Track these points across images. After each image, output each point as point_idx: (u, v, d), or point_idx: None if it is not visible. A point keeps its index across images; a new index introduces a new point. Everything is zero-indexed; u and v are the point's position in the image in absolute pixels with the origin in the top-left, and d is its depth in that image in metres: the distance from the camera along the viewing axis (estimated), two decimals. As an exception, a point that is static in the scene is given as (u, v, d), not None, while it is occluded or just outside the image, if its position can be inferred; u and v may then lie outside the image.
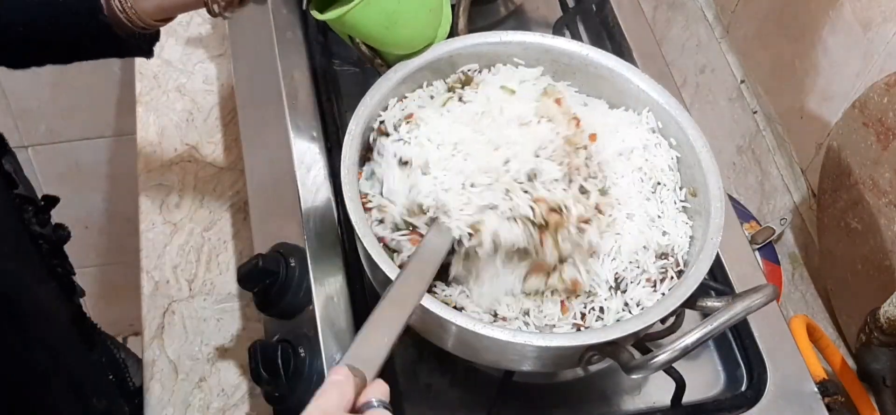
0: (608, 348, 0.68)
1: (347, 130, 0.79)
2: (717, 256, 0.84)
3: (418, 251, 0.71)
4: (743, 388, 0.84)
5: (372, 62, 0.88)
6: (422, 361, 0.75)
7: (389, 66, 0.85)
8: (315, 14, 0.79)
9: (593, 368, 0.72)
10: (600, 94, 0.86)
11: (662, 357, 0.66)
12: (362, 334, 0.63)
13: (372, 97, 0.82)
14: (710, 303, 0.72)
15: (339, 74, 1.01)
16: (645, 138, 0.81)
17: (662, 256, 0.76)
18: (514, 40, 0.86)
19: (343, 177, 0.75)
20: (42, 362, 0.75)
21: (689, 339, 0.66)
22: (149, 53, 0.82)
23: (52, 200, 0.89)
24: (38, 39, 0.78)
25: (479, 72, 0.85)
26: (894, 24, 0.90)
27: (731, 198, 1.03)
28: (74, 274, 0.90)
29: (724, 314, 0.66)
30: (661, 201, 0.79)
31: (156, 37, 0.82)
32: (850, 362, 0.94)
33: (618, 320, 0.73)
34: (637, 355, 0.68)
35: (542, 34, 0.88)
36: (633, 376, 0.70)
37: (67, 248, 0.89)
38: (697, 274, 0.72)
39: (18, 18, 0.76)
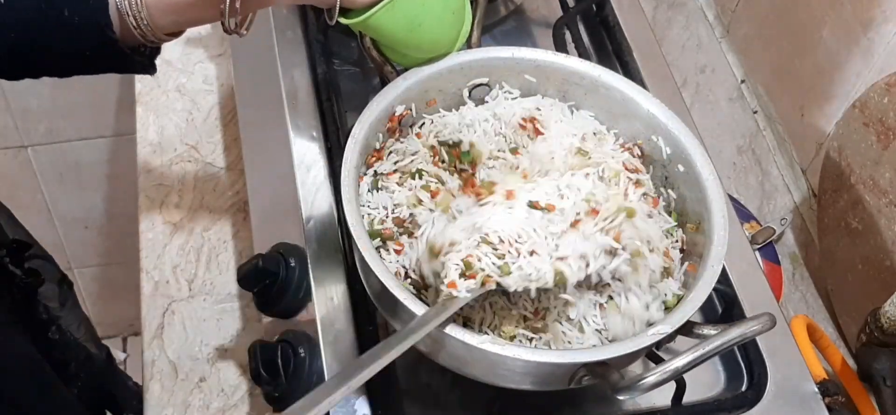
0: (599, 369, 0.68)
1: (351, 134, 0.78)
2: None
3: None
4: (743, 388, 0.84)
5: (381, 69, 0.88)
6: (422, 360, 0.75)
7: (399, 74, 0.84)
8: (341, 19, 0.79)
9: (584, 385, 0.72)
10: (611, 116, 0.86)
11: (651, 379, 0.66)
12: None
13: (378, 103, 0.81)
14: (706, 330, 0.72)
15: (340, 74, 1.01)
16: None
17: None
18: (526, 57, 0.86)
19: (343, 180, 0.75)
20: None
21: (680, 362, 0.66)
22: (152, 69, 0.79)
23: (23, 246, 0.87)
24: (39, 53, 0.74)
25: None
26: (894, 24, 0.90)
27: (731, 198, 1.03)
28: (51, 318, 0.88)
29: (718, 339, 0.67)
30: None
31: (158, 51, 0.80)
32: (851, 362, 0.94)
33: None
34: (625, 376, 0.68)
35: (554, 52, 0.87)
36: (620, 398, 0.70)
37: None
38: (695, 300, 0.72)
39: (19, 30, 0.72)
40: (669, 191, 0.83)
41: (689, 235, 0.80)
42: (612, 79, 0.86)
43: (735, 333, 0.67)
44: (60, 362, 0.94)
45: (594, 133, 0.84)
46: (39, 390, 0.80)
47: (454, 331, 0.68)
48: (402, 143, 0.83)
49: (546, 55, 0.87)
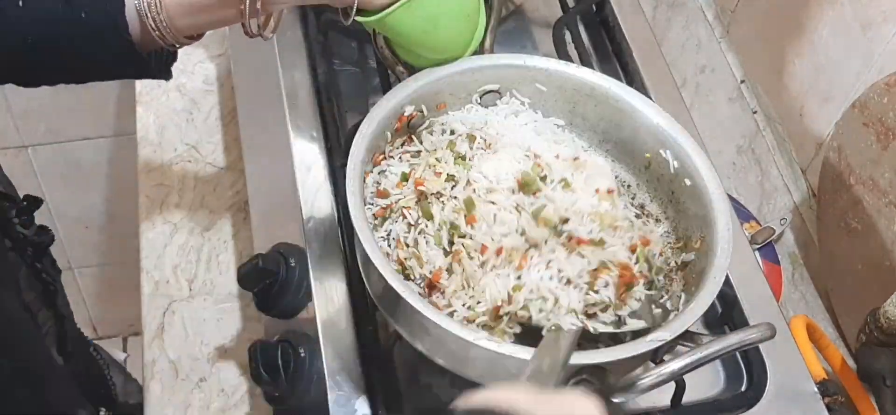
0: (596, 372, 0.68)
1: (359, 130, 0.79)
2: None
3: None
4: (743, 388, 0.84)
5: (393, 68, 0.87)
6: (423, 360, 0.75)
7: (411, 74, 0.84)
8: (358, 18, 0.78)
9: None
10: (619, 128, 0.86)
11: (646, 382, 0.66)
12: None
13: (389, 101, 0.82)
14: (706, 339, 0.72)
15: (339, 75, 1.01)
16: None
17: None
18: (538, 66, 0.87)
19: (349, 173, 0.75)
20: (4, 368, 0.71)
21: (676, 365, 0.67)
22: (168, 74, 0.79)
23: (34, 202, 0.87)
24: (56, 58, 0.73)
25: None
26: (894, 24, 0.90)
27: (731, 198, 1.03)
28: (56, 284, 0.87)
29: (716, 345, 0.68)
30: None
31: (174, 56, 0.79)
32: (850, 362, 0.94)
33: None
34: (622, 379, 0.68)
35: (566, 62, 0.88)
36: (616, 400, 0.70)
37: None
38: (696, 310, 0.71)
39: (38, 32, 0.71)
40: (674, 210, 0.84)
41: (695, 254, 0.80)
42: (622, 91, 0.86)
43: (733, 339, 0.68)
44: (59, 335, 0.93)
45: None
46: (40, 353, 0.80)
47: (452, 327, 0.68)
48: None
49: (557, 64, 0.87)
